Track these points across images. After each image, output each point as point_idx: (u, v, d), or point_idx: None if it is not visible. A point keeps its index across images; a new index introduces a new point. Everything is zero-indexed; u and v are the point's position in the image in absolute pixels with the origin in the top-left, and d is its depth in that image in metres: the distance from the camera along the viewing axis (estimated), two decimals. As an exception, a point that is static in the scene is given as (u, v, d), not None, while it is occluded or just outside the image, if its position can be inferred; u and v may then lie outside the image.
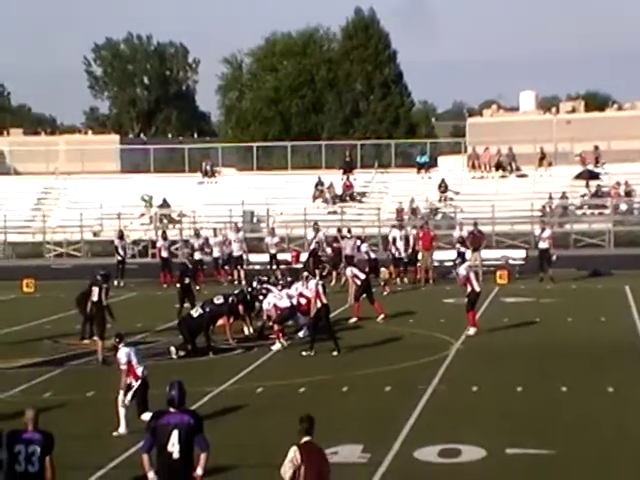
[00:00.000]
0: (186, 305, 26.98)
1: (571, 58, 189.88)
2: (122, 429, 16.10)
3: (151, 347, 23.48)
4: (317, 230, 36.84)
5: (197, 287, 28.13)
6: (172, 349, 22.60)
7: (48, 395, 18.89)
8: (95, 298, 23.33)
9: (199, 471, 10.86)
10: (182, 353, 22.54)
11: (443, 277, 35.09)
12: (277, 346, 23.28)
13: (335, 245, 35.71)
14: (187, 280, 27.75)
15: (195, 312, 23.34)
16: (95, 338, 24.31)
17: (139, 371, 16.41)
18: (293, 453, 10.01)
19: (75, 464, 13.74)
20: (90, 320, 24.76)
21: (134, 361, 16.44)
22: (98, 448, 15.35)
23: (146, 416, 14.67)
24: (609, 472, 13.73)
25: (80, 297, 25.21)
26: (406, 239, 35.42)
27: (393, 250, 34.84)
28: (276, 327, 23.64)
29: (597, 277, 35.76)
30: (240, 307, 24.48)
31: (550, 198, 46.66)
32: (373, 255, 33.24)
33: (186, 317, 23.46)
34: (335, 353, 22.23)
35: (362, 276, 27.25)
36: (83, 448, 15.17)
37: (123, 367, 16.44)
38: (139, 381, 16.35)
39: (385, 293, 31.68)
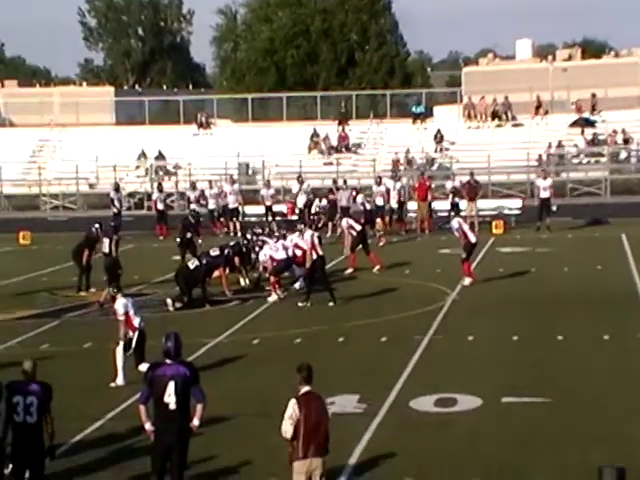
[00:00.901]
0: (187, 257, 26.96)
1: (567, 5, 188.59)
2: (120, 380, 16.17)
3: (148, 299, 23.53)
4: (301, 182, 36.76)
5: (200, 241, 28.11)
6: (169, 301, 22.65)
7: (45, 347, 18.95)
8: (106, 249, 23.57)
9: (196, 422, 10.92)
10: (179, 305, 22.58)
11: (439, 227, 35.06)
12: (273, 297, 23.33)
13: (330, 197, 35.67)
14: (189, 235, 27.68)
15: (191, 264, 23.35)
16: (92, 290, 24.46)
17: (136, 322, 16.46)
18: (292, 409, 9.98)
19: (73, 415, 13.81)
20: (87, 272, 24.86)
21: (131, 312, 16.49)
22: (95, 399, 15.42)
23: (143, 367, 14.75)
24: (605, 420, 13.81)
25: (76, 249, 25.27)
26: (398, 190, 35.40)
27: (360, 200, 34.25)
28: (272, 278, 23.67)
29: (594, 226, 35.77)
30: (236, 259, 24.50)
31: (549, 147, 46.54)
32: (369, 206, 33.21)
33: (183, 269, 23.48)
34: (331, 304, 22.28)
35: (358, 227, 27.25)
36: (80, 399, 15.24)
37: (121, 318, 16.49)
38: (136, 332, 16.40)
39: (381, 244, 31.69)
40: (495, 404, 14.55)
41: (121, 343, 16.38)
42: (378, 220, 33.75)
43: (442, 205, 37.16)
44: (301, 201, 35.94)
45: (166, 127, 53.47)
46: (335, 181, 37.18)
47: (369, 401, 14.78)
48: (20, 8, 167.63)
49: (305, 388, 10.15)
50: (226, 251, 24.25)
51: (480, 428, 13.58)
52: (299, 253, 23.79)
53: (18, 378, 10.81)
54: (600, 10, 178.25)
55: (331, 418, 10.32)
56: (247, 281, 24.96)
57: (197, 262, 23.24)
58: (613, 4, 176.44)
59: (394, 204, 35.30)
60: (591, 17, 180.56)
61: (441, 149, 48.79)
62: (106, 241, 23.86)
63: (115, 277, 22.77)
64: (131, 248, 32.00)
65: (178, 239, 28.03)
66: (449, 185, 36.33)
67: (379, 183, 35.43)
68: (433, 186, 36.50)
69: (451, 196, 35.99)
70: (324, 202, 35.79)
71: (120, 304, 16.57)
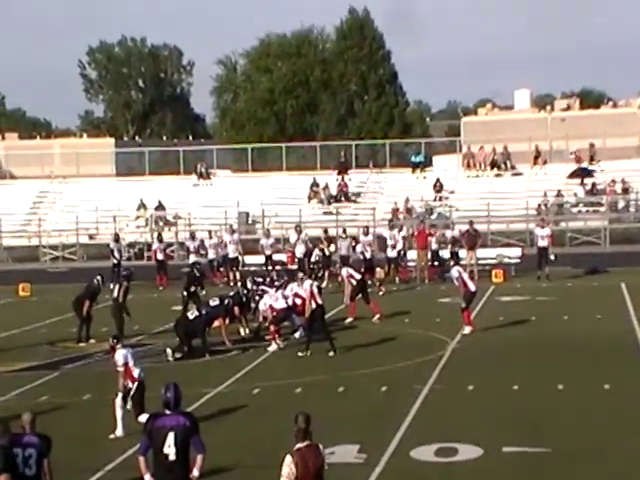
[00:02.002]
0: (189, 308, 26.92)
1: (566, 56, 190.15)
2: (119, 431, 16.10)
3: (148, 349, 23.48)
4: (299, 232, 36.81)
5: (203, 292, 28.12)
6: (168, 351, 22.61)
7: (45, 398, 18.89)
8: (115, 295, 23.74)
9: (195, 473, 10.86)
10: (178, 355, 22.53)
11: (439, 276, 35.05)
12: (273, 347, 23.30)
13: (321, 246, 35.81)
14: (193, 288, 27.63)
15: (191, 314, 23.37)
16: (92, 341, 24.46)
17: (136, 373, 16.41)
18: (288, 468, 9.73)
19: (72, 467, 13.73)
20: (87, 323, 24.87)
21: (131, 363, 16.44)
22: (95, 451, 15.35)
23: (143, 418, 14.69)
24: (606, 470, 13.74)
25: (77, 300, 25.29)
26: (394, 239, 35.43)
27: (360, 249, 34.23)
28: (272, 328, 23.65)
29: (594, 275, 35.78)
30: (236, 309, 24.49)
31: (545, 196, 46.73)
32: (369, 255, 33.25)
33: (182, 319, 23.48)
34: (331, 353, 22.24)
35: (358, 276, 27.27)
36: (80, 451, 15.17)
37: (120, 369, 16.45)
38: (136, 383, 16.36)
39: (381, 293, 31.69)
40: (496, 454, 14.48)
41: (120, 394, 16.34)
42: (378, 269, 33.79)
43: (443, 254, 37.05)
44: (300, 250, 35.98)
45: (166, 177, 53.73)
46: (326, 230, 37.28)
47: (369, 451, 14.71)
48: (21, 60, 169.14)
49: (302, 444, 9.86)
50: (226, 301, 24.26)
51: (481, 478, 13.51)
52: (299, 302, 23.78)
53: (17, 431, 10.77)
54: (598, 61, 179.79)
55: (331, 468, 10.25)
56: (247, 331, 24.94)
57: (197, 312, 23.26)
58: (611, 54, 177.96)
59: (393, 253, 35.34)
60: (589, 68, 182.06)
61: (440, 198, 48.96)
62: (116, 287, 24.12)
63: (120, 324, 22.91)
64: (131, 298, 31.91)
65: (184, 292, 27.91)
66: (449, 234, 36.35)
67: (366, 233, 35.56)
68: (438, 234, 36.37)
69: (450, 245, 36.03)
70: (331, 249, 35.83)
71: (120, 355, 16.54)
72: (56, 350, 24.26)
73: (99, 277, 25.21)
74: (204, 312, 23.25)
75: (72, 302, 25.53)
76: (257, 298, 25.37)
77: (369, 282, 29.13)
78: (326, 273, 34.48)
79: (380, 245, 37.66)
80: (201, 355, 22.57)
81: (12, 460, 10.45)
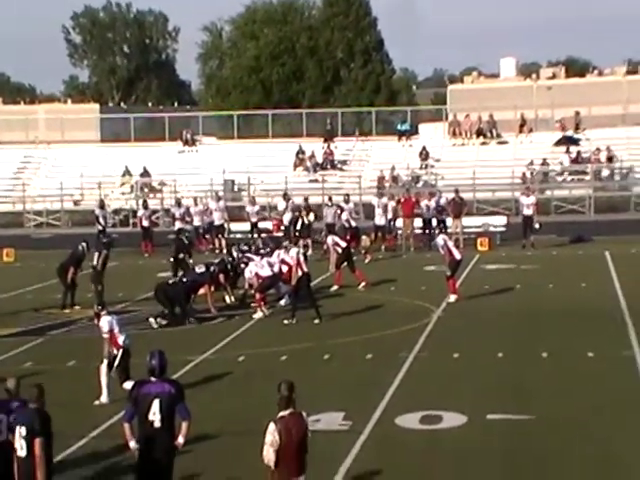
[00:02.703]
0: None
1: (551, 24, 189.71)
2: (104, 398, 16.11)
3: (133, 316, 23.44)
4: (288, 199, 36.74)
5: (190, 260, 28.07)
6: (151, 320, 22.48)
7: (29, 365, 18.86)
8: (94, 262, 23.62)
9: (180, 440, 10.89)
10: (163, 322, 22.48)
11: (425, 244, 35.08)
12: (259, 314, 23.31)
13: (300, 214, 35.78)
14: (181, 255, 27.58)
15: (171, 280, 23.28)
16: (77, 307, 24.42)
17: (121, 340, 16.40)
18: (272, 435, 9.72)
19: (57, 434, 13.52)
20: (72, 289, 24.82)
21: (116, 330, 16.43)
22: (80, 417, 15.35)
23: (128, 385, 14.69)
24: (589, 436, 13.83)
25: (61, 266, 25.22)
26: (384, 207, 35.44)
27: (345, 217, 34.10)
28: (258, 295, 23.65)
29: (578, 243, 35.89)
30: (221, 276, 24.48)
31: (530, 164, 46.74)
32: (354, 223, 33.24)
33: (162, 284, 23.35)
34: (317, 321, 22.27)
35: (343, 244, 27.28)
36: (65, 417, 15.06)
37: (105, 336, 16.42)
38: (121, 350, 16.34)
39: (366, 261, 31.70)
40: (480, 421, 14.55)
41: (105, 361, 16.32)
42: (364, 237, 33.83)
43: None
44: (287, 218, 35.92)
45: (151, 144, 53.46)
46: (306, 199, 37.21)
47: (355, 418, 14.76)
48: (4, 26, 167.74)
49: (285, 411, 9.86)
50: (211, 268, 24.24)
51: (465, 445, 13.58)
52: (285, 269, 23.78)
53: (1, 396, 10.74)
54: (584, 29, 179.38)
55: (317, 435, 10.28)
56: (232, 298, 24.93)
57: (176, 278, 23.18)
58: (597, 23, 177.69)
59: (381, 221, 35.33)
60: (575, 36, 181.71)
61: (426, 166, 48.90)
62: (95, 255, 23.97)
63: (99, 291, 22.82)
64: (116, 265, 31.88)
65: (171, 259, 27.86)
66: (433, 203, 36.24)
67: (347, 201, 35.50)
68: (430, 203, 36.24)
69: (437, 213, 36.03)
70: (311, 219, 35.73)
71: (105, 321, 16.52)
72: (40, 316, 24.21)
73: (84, 243, 25.11)
74: (184, 280, 23.20)
75: (56, 268, 25.46)
76: (242, 266, 25.35)
77: (354, 250, 29.11)
78: (308, 241, 34.33)
79: (366, 213, 37.65)
80: (182, 323, 22.52)
81: (48, 425, 10.34)
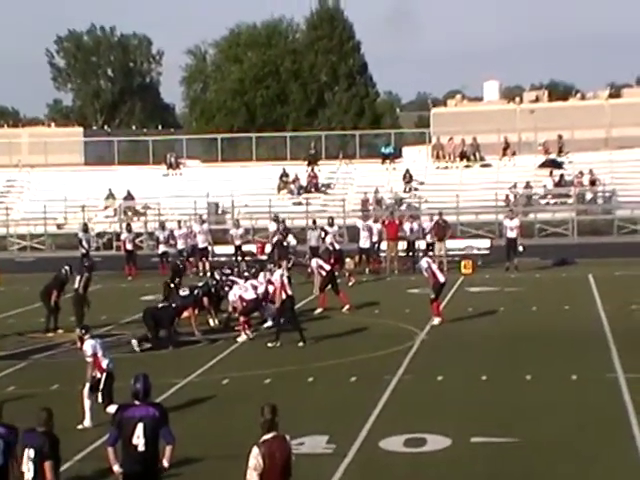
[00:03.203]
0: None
1: (534, 48, 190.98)
2: (87, 422, 16.05)
3: (116, 339, 23.38)
4: (278, 222, 36.76)
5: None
6: (134, 342, 22.41)
7: (12, 389, 18.78)
8: (75, 285, 23.51)
9: (165, 463, 10.87)
10: (146, 346, 22.38)
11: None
12: (243, 337, 23.28)
13: (278, 237, 35.84)
14: (177, 280, 27.43)
15: (160, 304, 23.29)
16: (60, 331, 24.33)
17: (104, 363, 16.35)
18: (255, 459, 9.68)
19: (40, 458, 13.65)
20: (55, 313, 24.73)
21: (99, 353, 16.38)
22: (63, 441, 15.09)
23: (111, 409, 14.64)
24: (573, 458, 13.85)
25: (45, 290, 25.15)
26: (369, 230, 35.49)
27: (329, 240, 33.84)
28: (242, 319, 23.63)
29: (562, 266, 36.01)
30: (205, 299, 24.46)
31: (514, 187, 46.93)
32: (337, 246, 33.27)
33: (151, 308, 23.37)
34: (301, 344, 22.26)
35: (327, 267, 27.31)
36: (48, 442, 15.08)
37: (89, 359, 16.37)
38: (104, 374, 16.29)
39: (350, 284, 31.73)
40: (464, 444, 14.55)
41: (88, 385, 16.26)
42: (348, 260, 33.86)
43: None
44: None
45: (135, 167, 53.51)
46: (283, 221, 37.24)
47: (339, 441, 14.75)
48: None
49: (269, 435, 9.81)
50: (195, 291, 24.22)
51: (449, 468, 13.58)
52: (272, 289, 23.71)
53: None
54: (567, 53, 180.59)
55: (301, 459, 10.26)
56: (216, 321, 24.91)
57: (166, 303, 23.17)
58: (580, 47, 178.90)
59: (366, 244, 35.38)
60: (558, 60, 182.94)
61: (410, 189, 49.07)
62: (77, 278, 23.88)
63: (80, 315, 22.73)
64: (99, 288, 31.82)
65: (170, 284, 27.68)
66: (407, 227, 36.21)
67: (331, 224, 35.49)
68: (413, 226, 36.24)
69: (425, 236, 36.06)
70: (293, 242, 35.76)
71: (88, 345, 16.47)
72: (24, 340, 24.10)
73: (67, 267, 25.05)
74: (173, 305, 23.18)
75: (40, 292, 25.38)
76: (226, 289, 25.33)
77: (337, 273, 29.13)
78: (284, 263, 34.13)
79: (350, 236, 37.68)
80: (165, 346, 22.45)
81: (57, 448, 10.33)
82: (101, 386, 16.19)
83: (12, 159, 55.68)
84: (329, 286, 27.05)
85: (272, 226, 37.01)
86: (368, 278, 34.19)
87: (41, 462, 10.18)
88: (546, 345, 21.75)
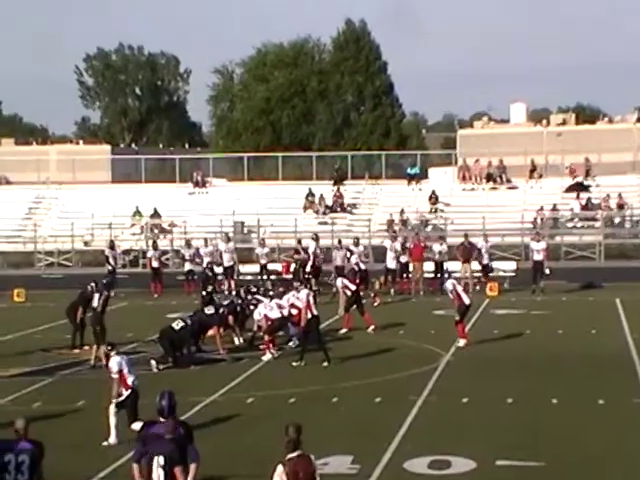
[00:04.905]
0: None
1: (562, 71, 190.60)
2: (112, 439, 16.06)
3: (141, 357, 23.41)
4: (317, 240, 36.57)
5: (204, 293, 28.01)
6: (152, 362, 22.31)
7: (38, 405, 18.85)
8: (95, 304, 23.45)
9: (189, 480, 10.85)
10: (162, 367, 22.29)
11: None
12: (267, 356, 23.27)
13: (295, 256, 35.82)
14: (210, 288, 27.60)
15: (177, 325, 23.02)
16: (86, 347, 24.38)
17: (130, 380, 16.38)
18: (279, 478, 9.71)
19: (65, 474, 13.67)
20: (81, 329, 24.80)
21: (125, 370, 16.41)
22: (88, 458, 15.31)
23: (136, 426, 14.66)
24: (599, 484, 13.75)
25: (70, 307, 25.22)
26: (396, 250, 35.43)
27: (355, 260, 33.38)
28: (266, 337, 23.63)
29: (589, 289, 35.81)
30: (230, 317, 24.47)
31: (541, 210, 46.79)
32: (363, 266, 33.25)
33: (167, 330, 23.06)
34: (325, 364, 22.22)
35: (353, 287, 27.27)
36: (73, 458, 15.13)
37: (114, 376, 16.41)
38: (129, 390, 16.32)
39: (375, 304, 31.68)
40: (489, 467, 14.46)
41: (114, 401, 16.29)
42: (374, 280, 33.83)
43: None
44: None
45: (162, 185, 53.74)
46: (299, 241, 37.27)
47: (363, 462, 14.69)
48: (18, 66, 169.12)
49: (293, 454, 9.86)
50: (221, 310, 24.25)
51: (474, 491, 13.50)
52: (295, 312, 23.75)
53: (10, 437, 10.74)
54: (594, 76, 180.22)
55: (325, 479, 10.20)
56: (241, 340, 24.91)
57: (182, 323, 23.08)
58: (608, 71, 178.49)
59: (392, 264, 35.33)
60: (585, 83, 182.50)
61: (436, 210, 49.01)
62: (96, 296, 23.80)
63: (99, 333, 22.67)
64: (125, 306, 31.97)
65: (203, 293, 27.80)
66: (436, 248, 36.14)
67: (357, 244, 35.39)
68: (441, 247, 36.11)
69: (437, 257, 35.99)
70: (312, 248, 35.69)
71: (114, 362, 16.51)
72: (50, 356, 24.20)
73: (93, 284, 25.10)
74: (190, 323, 23.14)
75: (66, 309, 25.47)
76: (251, 307, 25.35)
77: (363, 293, 29.09)
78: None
79: (376, 256, 37.63)
80: (187, 365, 22.44)
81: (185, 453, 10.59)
82: (125, 402, 16.19)
83: (40, 176, 56.06)
84: (354, 306, 27.01)
85: (312, 245, 36.61)
86: (394, 299, 34.14)
87: (171, 468, 10.32)
88: (572, 369, 21.62)
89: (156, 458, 10.39)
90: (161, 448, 10.44)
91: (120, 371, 16.36)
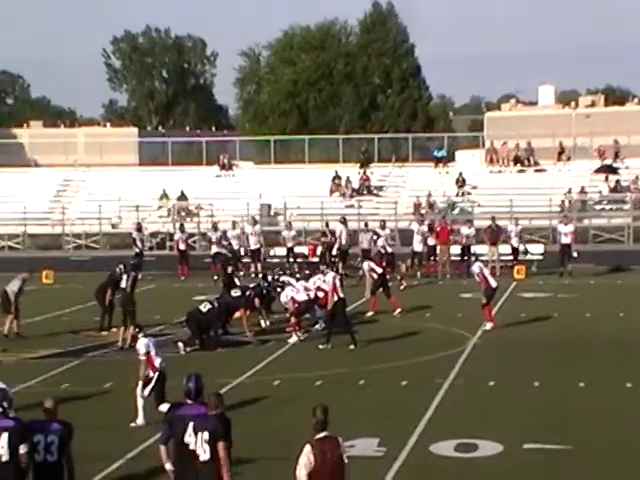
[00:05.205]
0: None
1: (590, 53, 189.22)
2: (140, 420, 16.15)
3: (169, 339, 23.52)
4: (345, 223, 36.57)
5: (215, 277, 28.09)
6: (180, 345, 22.42)
7: (66, 386, 18.98)
8: (123, 285, 23.57)
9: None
10: (189, 349, 22.38)
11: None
12: (294, 339, 23.31)
13: (323, 239, 35.80)
14: (230, 269, 27.70)
15: (204, 307, 23.13)
16: (114, 329, 24.51)
17: (157, 362, 16.45)
18: (306, 457, 9.78)
19: (93, 455, 13.78)
20: (109, 311, 24.93)
21: (152, 352, 16.48)
22: (116, 439, 15.41)
23: (163, 407, 14.74)
24: (626, 468, 13.69)
25: (99, 289, 25.35)
26: (423, 233, 35.36)
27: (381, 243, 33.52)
28: (293, 320, 23.66)
29: (617, 273, 35.62)
30: (256, 300, 24.51)
31: (569, 192, 46.53)
32: (390, 249, 33.20)
33: (194, 312, 23.17)
34: (352, 347, 22.24)
35: (379, 270, 27.23)
36: (101, 439, 15.23)
37: (142, 358, 16.49)
38: (157, 372, 16.40)
39: (402, 287, 31.64)
40: (516, 450, 14.44)
41: (141, 383, 16.38)
42: (400, 263, 33.78)
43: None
44: (343, 241, 35.77)
45: (189, 168, 53.86)
46: (327, 224, 37.26)
47: (389, 445, 14.71)
48: (46, 49, 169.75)
49: (321, 434, 9.93)
50: (247, 292, 24.29)
51: (501, 475, 13.49)
52: (321, 295, 23.75)
53: (39, 417, 10.82)
54: (623, 58, 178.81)
55: (351, 461, 10.19)
56: (267, 322, 24.96)
57: (209, 305, 23.13)
58: (637, 52, 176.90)
59: (419, 247, 35.29)
60: (614, 65, 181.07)
61: (463, 193, 48.85)
62: (124, 277, 23.91)
63: (129, 314, 22.83)
64: (152, 288, 32.09)
65: (224, 274, 27.83)
66: (464, 231, 36.04)
67: (383, 227, 35.34)
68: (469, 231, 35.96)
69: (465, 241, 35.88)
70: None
71: (142, 344, 16.59)
72: (78, 338, 24.35)
73: (121, 265, 25.21)
74: (216, 305, 23.20)
75: (95, 291, 25.61)
76: (278, 290, 25.38)
77: (389, 276, 29.05)
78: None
79: (402, 239, 37.58)
80: (214, 348, 22.51)
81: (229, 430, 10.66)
82: (152, 384, 16.28)
83: (68, 159, 56.35)
84: (380, 289, 26.99)
85: (339, 227, 36.62)
86: (420, 282, 34.09)
87: (215, 443, 10.41)
88: (600, 352, 21.53)
89: (200, 434, 10.47)
90: (206, 424, 10.53)
91: (147, 353, 16.44)
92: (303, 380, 19.27)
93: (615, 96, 76.69)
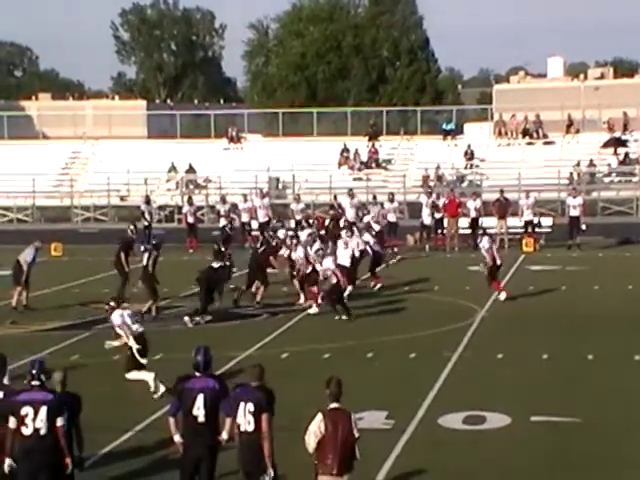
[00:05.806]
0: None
1: (600, 25, 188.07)
2: (161, 388, 16.10)
3: (176, 312, 23.58)
4: (352, 197, 36.56)
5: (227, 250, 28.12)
6: (186, 318, 22.43)
7: (76, 358, 19.05)
8: (144, 263, 23.62)
9: (224, 435, 10.95)
10: (199, 319, 22.37)
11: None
12: (314, 309, 23.19)
13: (331, 212, 35.84)
14: (222, 247, 27.66)
15: (216, 264, 23.07)
16: (125, 304, 24.51)
17: (134, 328, 16.63)
18: (317, 425, 9.90)
19: (102, 426, 13.85)
20: (127, 279, 24.97)
21: (128, 321, 16.65)
22: (125, 411, 15.48)
23: (131, 375, 15.29)
24: (635, 441, 13.71)
25: (116, 259, 25.37)
26: (432, 206, 35.34)
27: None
28: (313, 289, 23.50)
29: (625, 245, 35.57)
30: (271, 258, 24.67)
31: (577, 165, 46.38)
32: (377, 227, 32.52)
33: (207, 269, 23.09)
34: (344, 317, 22.17)
35: (376, 247, 27.18)
36: (110, 411, 15.30)
37: (117, 330, 16.73)
38: (131, 337, 16.57)
39: (394, 260, 31.43)
40: (524, 423, 14.48)
41: (134, 350, 16.52)
42: (408, 236, 33.76)
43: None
44: (350, 215, 35.75)
45: (197, 141, 53.76)
46: (335, 197, 37.22)
47: (397, 417, 14.75)
48: (54, 22, 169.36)
49: (333, 405, 10.07)
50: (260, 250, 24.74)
51: (509, 447, 13.52)
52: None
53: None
54: (632, 30, 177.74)
55: (360, 434, 10.26)
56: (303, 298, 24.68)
57: (222, 262, 23.09)
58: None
59: (428, 220, 35.26)
60: (623, 37, 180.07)
61: (471, 166, 48.72)
62: (145, 255, 23.89)
63: (153, 290, 22.94)
64: (161, 261, 32.00)
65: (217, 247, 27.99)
66: (471, 205, 35.96)
67: (392, 200, 35.28)
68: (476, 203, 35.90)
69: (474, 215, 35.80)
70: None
71: (116, 315, 16.88)
72: (87, 310, 24.42)
73: (132, 226, 25.26)
74: (228, 264, 23.25)
75: (113, 261, 25.63)
76: (288, 243, 25.47)
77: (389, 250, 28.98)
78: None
79: (411, 212, 37.54)
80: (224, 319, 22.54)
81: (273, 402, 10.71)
82: (134, 350, 16.40)
83: (77, 131, 56.30)
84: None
85: (345, 201, 36.61)
86: (428, 254, 34.08)
87: (259, 415, 10.46)
88: (608, 325, 21.53)
89: (243, 404, 10.52)
90: (250, 395, 10.57)
91: (123, 323, 16.60)
92: (311, 352, 19.31)
93: (624, 68, 76.31)
